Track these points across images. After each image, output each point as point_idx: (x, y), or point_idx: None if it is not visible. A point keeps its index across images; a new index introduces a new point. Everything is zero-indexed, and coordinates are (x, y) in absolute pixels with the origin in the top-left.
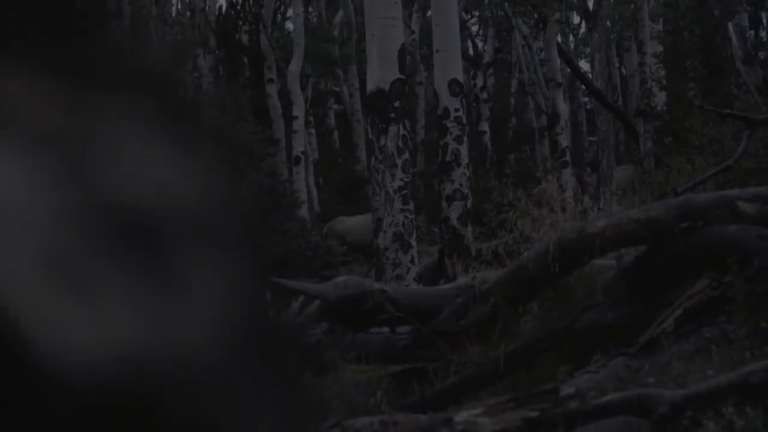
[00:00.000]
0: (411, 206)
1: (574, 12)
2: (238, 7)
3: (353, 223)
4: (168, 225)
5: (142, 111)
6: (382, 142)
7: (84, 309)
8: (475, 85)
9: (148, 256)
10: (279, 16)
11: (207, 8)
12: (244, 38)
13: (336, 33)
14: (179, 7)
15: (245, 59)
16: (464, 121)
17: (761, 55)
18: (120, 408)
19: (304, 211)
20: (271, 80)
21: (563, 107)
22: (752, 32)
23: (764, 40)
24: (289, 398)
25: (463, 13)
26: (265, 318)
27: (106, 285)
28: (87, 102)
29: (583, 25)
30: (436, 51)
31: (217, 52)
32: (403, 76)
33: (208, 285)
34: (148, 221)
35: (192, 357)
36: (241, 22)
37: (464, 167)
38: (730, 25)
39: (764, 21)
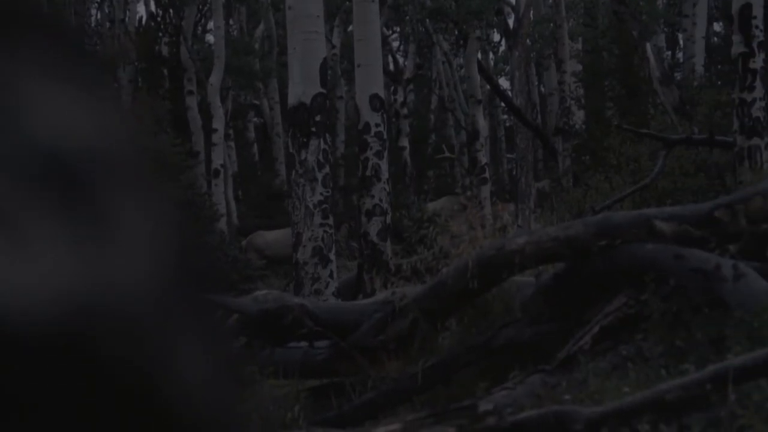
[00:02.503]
0: (331, 221)
1: (495, 30)
2: (159, 19)
3: (272, 237)
4: (93, 167)
5: (50, 58)
6: (303, 156)
7: (17, 254)
8: (395, 100)
9: (76, 199)
10: (200, 28)
11: (127, 19)
12: (164, 50)
13: (257, 46)
14: (98, 17)
15: (165, 71)
16: (385, 136)
17: (678, 76)
18: (59, 349)
19: (222, 224)
20: (191, 92)
21: (483, 124)
22: (669, 53)
23: (681, 61)
24: (217, 336)
25: (385, 29)
26: (193, 255)
27: (37, 229)
28: None
29: (504, 42)
30: (358, 66)
31: (136, 63)
32: (324, 91)
33: (136, 224)
34: (73, 164)
35: (127, 295)
36: (161, 34)
37: (384, 182)
38: (648, 46)
39: (681, 42)
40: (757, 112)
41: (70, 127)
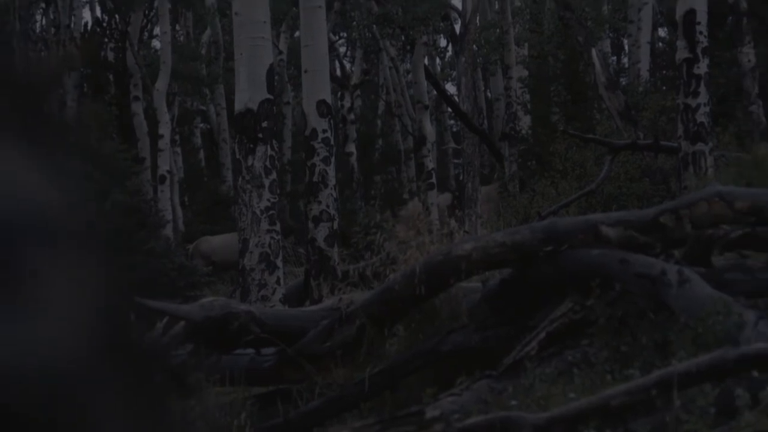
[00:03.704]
0: (278, 227)
1: (441, 35)
2: (104, 24)
3: (218, 243)
4: (22, 234)
5: (8, 121)
6: (250, 162)
7: None
8: (342, 106)
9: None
10: (146, 33)
11: (72, 25)
12: (110, 55)
13: (203, 52)
14: (43, 23)
15: (111, 76)
16: (332, 142)
17: (623, 81)
18: None
19: (168, 231)
20: (136, 98)
21: (430, 129)
22: (614, 58)
23: (626, 66)
24: (151, 410)
25: (331, 34)
26: (128, 331)
27: None
28: None
29: (450, 48)
30: (305, 71)
31: (82, 69)
32: (271, 96)
33: (65, 292)
34: (3, 228)
35: (49, 365)
36: (107, 39)
37: (331, 188)
38: (593, 51)
39: (626, 48)
40: (701, 117)
41: (5, 190)
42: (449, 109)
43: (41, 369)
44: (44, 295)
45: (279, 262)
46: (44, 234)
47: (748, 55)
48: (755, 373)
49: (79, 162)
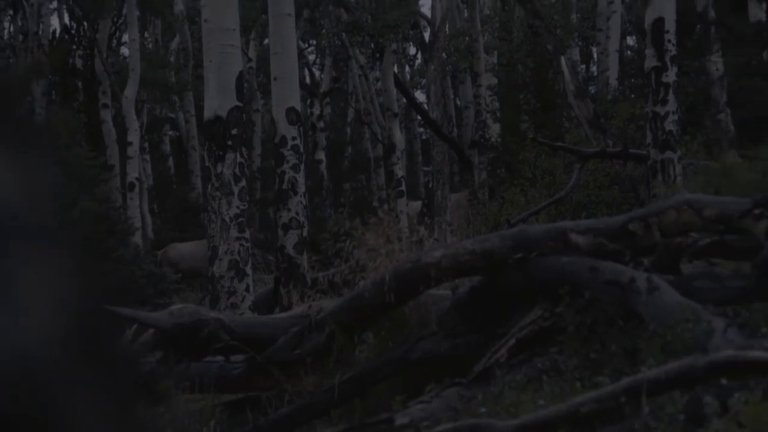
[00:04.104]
0: (247, 234)
1: (411, 43)
2: (73, 32)
3: (187, 250)
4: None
5: None
6: (219, 169)
7: None
8: (311, 113)
9: None
10: (114, 40)
11: (40, 32)
12: (79, 63)
13: (172, 59)
14: (11, 30)
15: (79, 84)
16: (301, 149)
17: (592, 89)
18: None
19: (137, 238)
20: (105, 105)
21: (399, 137)
22: (583, 67)
23: (595, 74)
24: (121, 417)
25: (301, 42)
26: (97, 337)
27: None
28: None
29: (420, 56)
30: (274, 79)
31: (50, 76)
32: (240, 104)
33: (36, 289)
34: None
35: (18, 359)
36: (75, 47)
37: (301, 195)
38: (562, 60)
39: (595, 56)
40: (670, 125)
41: None
42: (419, 117)
43: (14, 371)
44: (16, 299)
45: (248, 270)
46: (16, 239)
47: (716, 63)
48: (724, 381)
49: (50, 168)
